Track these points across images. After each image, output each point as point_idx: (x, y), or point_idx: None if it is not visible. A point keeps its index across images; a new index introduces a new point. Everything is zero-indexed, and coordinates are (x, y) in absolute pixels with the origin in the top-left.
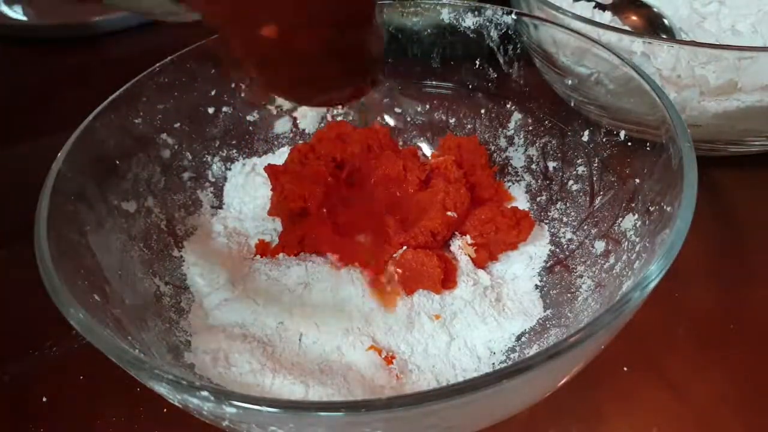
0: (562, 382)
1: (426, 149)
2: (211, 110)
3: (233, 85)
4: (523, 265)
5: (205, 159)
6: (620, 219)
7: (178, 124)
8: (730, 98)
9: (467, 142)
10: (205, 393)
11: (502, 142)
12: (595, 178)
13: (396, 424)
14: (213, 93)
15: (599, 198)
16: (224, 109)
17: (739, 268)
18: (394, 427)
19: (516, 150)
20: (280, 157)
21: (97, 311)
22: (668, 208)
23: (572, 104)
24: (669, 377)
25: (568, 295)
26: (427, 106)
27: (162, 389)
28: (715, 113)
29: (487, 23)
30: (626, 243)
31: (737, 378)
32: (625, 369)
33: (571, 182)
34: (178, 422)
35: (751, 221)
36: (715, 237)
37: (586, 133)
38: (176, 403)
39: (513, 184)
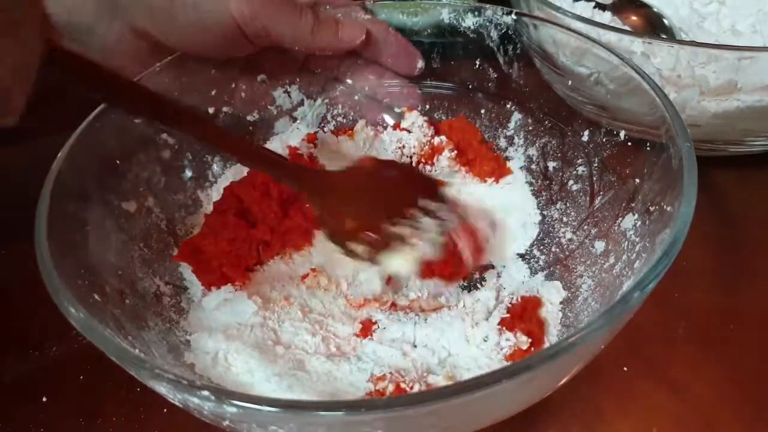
0: (562, 382)
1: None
2: (211, 110)
3: (233, 85)
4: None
5: (205, 159)
6: (620, 219)
7: None
8: (730, 98)
9: (457, 122)
10: (205, 393)
11: (502, 142)
12: (595, 178)
13: (396, 424)
14: (213, 93)
15: (599, 198)
16: (224, 109)
17: (739, 268)
18: (394, 427)
19: (516, 150)
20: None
21: (97, 311)
22: (668, 208)
23: (572, 104)
24: (669, 377)
25: (568, 295)
26: (427, 106)
27: (162, 389)
28: (714, 113)
29: (487, 23)
30: (626, 243)
31: (737, 378)
32: (625, 369)
33: (571, 182)
34: (178, 422)
35: (751, 221)
36: (715, 237)
37: (586, 133)
38: (177, 403)
39: None
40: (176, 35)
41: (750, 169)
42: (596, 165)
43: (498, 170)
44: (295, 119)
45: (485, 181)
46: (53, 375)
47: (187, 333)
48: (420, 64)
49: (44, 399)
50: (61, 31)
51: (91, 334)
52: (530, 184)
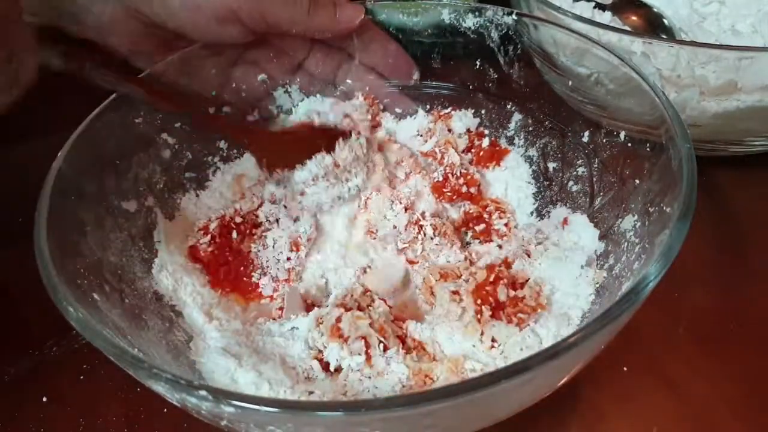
0: (562, 382)
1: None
2: (211, 110)
3: (233, 85)
4: None
5: (205, 159)
6: (620, 220)
7: (179, 124)
8: (730, 98)
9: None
10: (203, 392)
11: (503, 143)
12: (595, 179)
13: (394, 424)
14: (214, 93)
15: (599, 199)
16: (225, 109)
17: (739, 268)
18: (392, 427)
19: (516, 151)
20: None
21: (96, 310)
22: (667, 209)
23: (572, 105)
24: (669, 377)
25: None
26: (428, 107)
27: (160, 388)
28: (715, 113)
29: (488, 24)
30: (626, 244)
31: (737, 378)
32: (625, 369)
33: (571, 183)
34: (178, 422)
35: (751, 221)
36: (715, 237)
37: (587, 133)
38: (175, 403)
39: None
40: (168, 13)
41: (750, 169)
42: (596, 166)
43: (496, 154)
44: None
45: (488, 168)
46: (53, 375)
47: (186, 332)
48: (416, 75)
49: (44, 399)
50: (56, 12)
51: (89, 333)
52: (529, 183)
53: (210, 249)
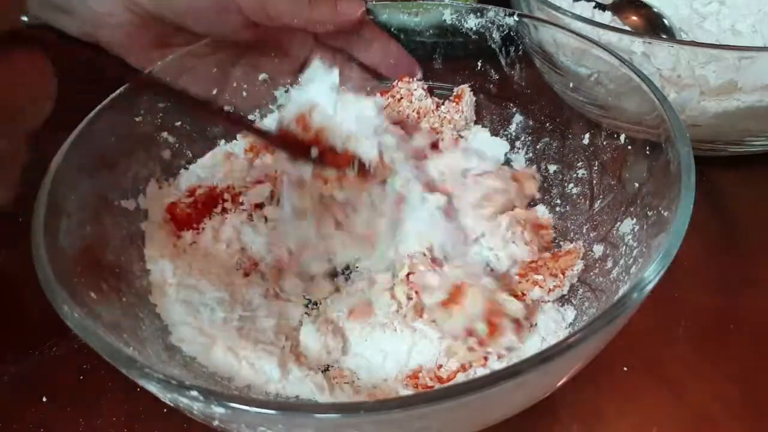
0: (560, 384)
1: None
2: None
3: (234, 84)
4: None
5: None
6: (619, 223)
7: (179, 123)
8: (730, 98)
9: None
10: (194, 393)
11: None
12: (594, 182)
13: (388, 426)
14: (215, 92)
15: (599, 201)
16: (226, 108)
17: (739, 268)
18: (386, 430)
19: (517, 152)
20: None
21: (92, 309)
22: (665, 213)
23: (572, 105)
24: (668, 377)
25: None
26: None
27: (152, 388)
28: (715, 113)
29: (489, 24)
30: (624, 247)
31: (736, 378)
32: (625, 369)
33: (571, 185)
34: (179, 422)
35: (751, 221)
36: (715, 237)
37: (587, 136)
38: (168, 402)
39: None
40: (166, 3)
41: (750, 169)
42: (596, 168)
43: None
44: None
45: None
46: (53, 375)
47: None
48: (419, 75)
49: (44, 399)
50: (51, 5)
51: (84, 332)
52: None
53: (188, 211)
